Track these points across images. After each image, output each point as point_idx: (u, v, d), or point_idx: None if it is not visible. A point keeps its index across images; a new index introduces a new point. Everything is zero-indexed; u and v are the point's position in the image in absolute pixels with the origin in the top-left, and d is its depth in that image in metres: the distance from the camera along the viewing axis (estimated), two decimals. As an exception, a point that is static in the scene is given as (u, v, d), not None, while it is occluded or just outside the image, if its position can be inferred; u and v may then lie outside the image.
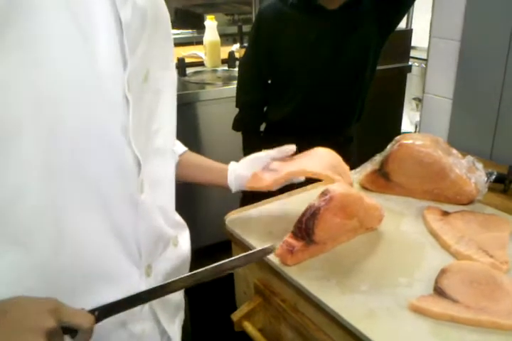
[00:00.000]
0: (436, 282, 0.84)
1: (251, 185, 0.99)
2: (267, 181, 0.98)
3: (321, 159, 1.02)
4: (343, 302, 0.82)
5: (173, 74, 0.83)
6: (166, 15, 0.78)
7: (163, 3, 0.78)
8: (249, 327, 0.99)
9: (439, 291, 0.83)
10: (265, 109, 1.83)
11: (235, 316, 0.99)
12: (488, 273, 0.85)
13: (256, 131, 1.86)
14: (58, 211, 0.63)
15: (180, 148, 1.01)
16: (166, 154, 0.83)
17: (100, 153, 0.65)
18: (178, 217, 0.90)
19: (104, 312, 0.63)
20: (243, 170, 1.01)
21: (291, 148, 1.03)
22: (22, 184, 0.60)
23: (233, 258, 0.76)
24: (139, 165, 0.70)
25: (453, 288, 0.83)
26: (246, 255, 0.78)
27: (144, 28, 0.68)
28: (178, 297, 0.89)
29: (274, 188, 1.00)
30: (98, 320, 0.62)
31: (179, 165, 0.97)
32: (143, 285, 0.75)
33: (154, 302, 0.78)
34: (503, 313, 0.78)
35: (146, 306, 0.77)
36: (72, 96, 0.61)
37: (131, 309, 0.68)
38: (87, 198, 0.66)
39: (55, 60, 0.59)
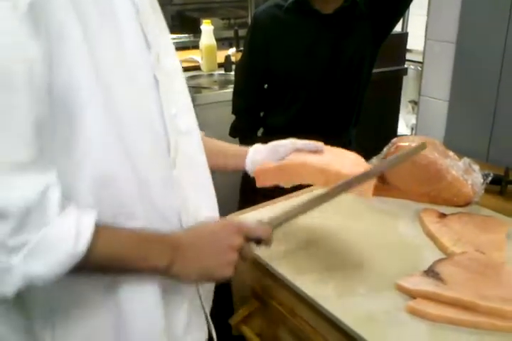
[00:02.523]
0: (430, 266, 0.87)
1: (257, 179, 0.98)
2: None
3: (344, 160, 0.97)
4: (341, 306, 0.82)
5: (177, 61, 0.85)
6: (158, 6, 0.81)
7: None
8: (247, 331, 0.98)
9: (429, 273, 0.85)
10: (262, 114, 1.82)
11: (233, 320, 0.99)
12: (483, 262, 0.88)
13: (253, 136, 1.86)
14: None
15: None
16: (191, 135, 0.84)
17: (142, 130, 0.69)
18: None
19: (277, 222, 0.77)
20: (261, 156, 0.99)
21: (319, 145, 1.00)
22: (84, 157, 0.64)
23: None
24: (168, 143, 0.73)
25: (445, 270, 0.85)
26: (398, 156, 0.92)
27: (149, 12, 0.72)
28: (208, 291, 0.88)
29: (285, 185, 0.98)
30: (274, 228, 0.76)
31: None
32: None
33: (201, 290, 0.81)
34: (492, 299, 0.79)
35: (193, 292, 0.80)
36: (118, 78, 0.66)
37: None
38: (131, 173, 0.68)
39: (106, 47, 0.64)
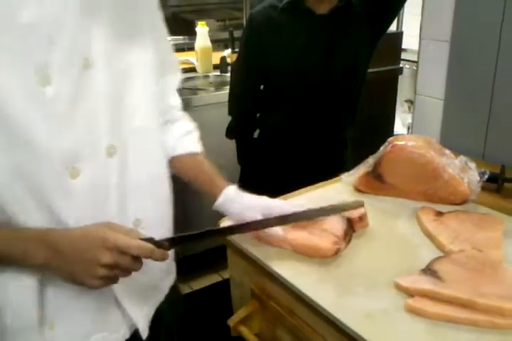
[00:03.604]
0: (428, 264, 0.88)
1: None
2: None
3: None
4: (339, 305, 0.82)
5: (147, 53, 0.83)
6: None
7: None
8: (245, 332, 0.98)
9: (427, 271, 0.86)
10: (258, 115, 1.83)
11: (232, 321, 0.99)
12: (481, 259, 0.88)
13: (249, 137, 1.86)
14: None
15: (190, 147, 1.01)
16: (148, 133, 0.85)
17: (24, 148, 0.69)
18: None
19: (172, 241, 0.76)
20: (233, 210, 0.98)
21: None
22: None
23: (318, 208, 0.92)
24: (63, 155, 0.72)
25: (443, 268, 0.86)
26: (333, 207, 0.94)
27: (61, 21, 0.69)
28: (145, 279, 0.87)
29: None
30: (172, 246, 0.75)
31: (182, 164, 0.98)
32: None
33: (116, 285, 0.79)
34: (489, 296, 0.79)
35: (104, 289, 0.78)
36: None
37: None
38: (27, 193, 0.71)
39: None
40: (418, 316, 0.79)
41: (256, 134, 1.86)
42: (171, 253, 0.96)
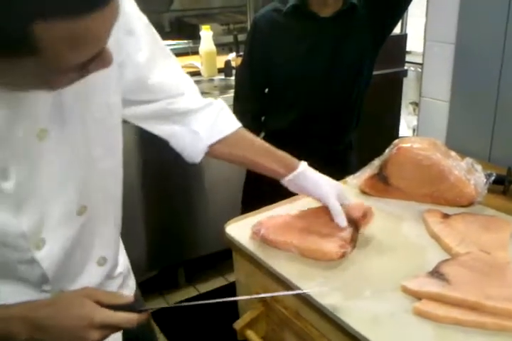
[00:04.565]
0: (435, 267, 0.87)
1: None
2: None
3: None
4: (346, 308, 0.82)
5: (100, 109, 0.78)
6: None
7: None
8: (252, 336, 0.98)
9: (434, 274, 0.85)
10: (263, 118, 1.83)
11: (238, 325, 0.99)
12: (488, 262, 0.88)
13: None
14: None
15: (228, 127, 0.99)
16: (112, 171, 0.85)
17: None
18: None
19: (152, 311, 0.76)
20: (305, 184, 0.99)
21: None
22: None
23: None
24: (26, 234, 0.72)
25: (450, 271, 0.85)
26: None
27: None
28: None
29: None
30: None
31: (229, 146, 0.98)
32: None
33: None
34: (496, 298, 0.79)
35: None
36: None
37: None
38: None
39: None
40: (426, 319, 0.78)
41: (260, 138, 1.86)
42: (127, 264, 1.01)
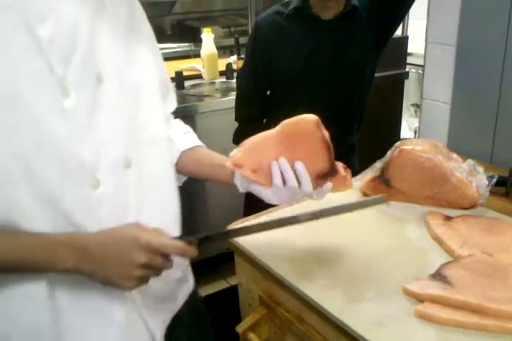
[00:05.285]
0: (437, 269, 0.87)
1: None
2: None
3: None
4: (349, 311, 0.81)
5: (150, 69, 0.86)
6: (124, 11, 0.82)
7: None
8: (254, 339, 0.98)
9: (436, 276, 0.85)
10: (265, 121, 1.83)
11: (240, 328, 0.99)
12: (490, 264, 0.88)
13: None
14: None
15: (190, 142, 1.01)
16: (159, 143, 0.88)
17: (48, 157, 0.69)
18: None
19: (200, 239, 0.77)
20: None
21: None
22: None
23: (346, 203, 0.88)
24: (85, 164, 0.73)
25: (452, 273, 0.85)
26: (359, 202, 0.92)
27: (76, 37, 0.71)
28: (162, 289, 0.89)
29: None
30: (199, 244, 0.76)
31: (184, 160, 0.98)
32: None
33: (136, 295, 0.81)
34: (499, 301, 0.79)
35: (125, 293, 0.79)
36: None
37: (111, 295, 0.77)
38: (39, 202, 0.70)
39: None
40: (428, 322, 0.78)
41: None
42: (187, 262, 0.98)
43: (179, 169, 0.98)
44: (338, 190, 0.91)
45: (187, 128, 1.06)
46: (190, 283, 1.01)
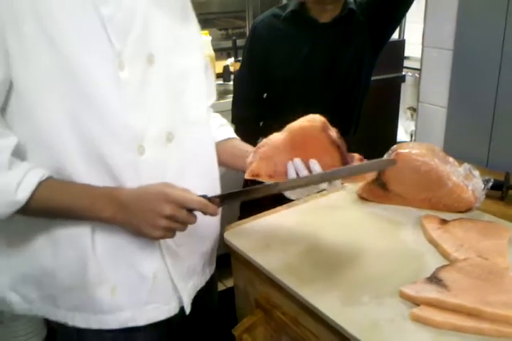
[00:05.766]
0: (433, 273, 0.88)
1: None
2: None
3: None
4: (345, 314, 0.81)
5: (198, 58, 0.95)
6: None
7: None
8: (250, 342, 0.98)
9: (432, 280, 0.85)
10: (261, 123, 1.83)
11: (236, 331, 0.99)
12: (486, 267, 0.88)
13: (253, 146, 1.86)
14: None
15: (225, 134, 1.08)
16: (200, 125, 0.95)
17: (99, 120, 0.79)
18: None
19: (222, 198, 0.84)
20: None
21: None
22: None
23: (358, 164, 0.91)
24: (133, 131, 0.81)
25: (448, 276, 0.85)
26: (370, 163, 0.92)
27: (133, 19, 0.80)
28: (191, 261, 0.96)
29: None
30: (221, 203, 0.84)
31: (218, 151, 1.03)
32: None
33: (165, 254, 0.89)
34: (494, 305, 0.79)
35: (156, 252, 0.88)
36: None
37: (143, 252, 0.87)
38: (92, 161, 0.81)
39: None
40: (424, 325, 0.78)
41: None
42: (215, 236, 1.04)
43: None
44: (353, 182, 0.97)
45: (224, 121, 1.13)
46: (213, 266, 1.08)
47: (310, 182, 0.88)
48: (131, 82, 0.80)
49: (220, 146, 1.05)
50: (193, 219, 0.82)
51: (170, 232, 0.82)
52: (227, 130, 1.10)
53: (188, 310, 0.95)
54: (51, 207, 0.80)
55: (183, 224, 0.82)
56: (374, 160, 0.93)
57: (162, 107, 0.86)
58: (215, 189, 1.00)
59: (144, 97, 0.82)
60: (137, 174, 0.83)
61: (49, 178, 0.79)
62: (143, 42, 0.82)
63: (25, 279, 0.88)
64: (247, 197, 0.87)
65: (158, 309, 0.91)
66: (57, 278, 0.86)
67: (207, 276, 1.04)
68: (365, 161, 0.93)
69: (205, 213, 0.82)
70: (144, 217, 0.79)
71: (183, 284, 0.94)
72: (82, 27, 0.76)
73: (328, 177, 0.88)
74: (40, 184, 0.78)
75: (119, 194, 0.81)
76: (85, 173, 0.81)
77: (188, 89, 0.92)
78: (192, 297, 0.97)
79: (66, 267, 0.85)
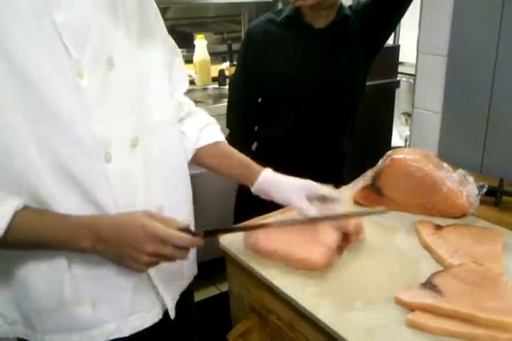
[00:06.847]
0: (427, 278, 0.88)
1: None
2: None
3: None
4: (340, 320, 0.81)
5: (160, 53, 0.93)
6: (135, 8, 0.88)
7: None
8: (245, 347, 0.98)
9: (427, 285, 0.86)
10: (256, 128, 1.83)
11: (231, 336, 0.98)
12: (481, 273, 0.88)
13: (247, 150, 1.86)
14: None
15: (214, 137, 1.06)
16: (165, 126, 0.93)
17: (62, 131, 0.76)
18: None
19: (206, 234, 0.82)
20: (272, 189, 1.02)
21: (336, 196, 1.00)
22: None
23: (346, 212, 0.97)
24: (98, 139, 0.79)
25: (443, 282, 0.86)
26: (358, 212, 0.99)
27: (89, 24, 0.78)
28: (175, 266, 0.92)
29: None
30: (204, 237, 0.81)
31: (207, 152, 1.04)
32: None
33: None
34: (491, 310, 0.79)
35: None
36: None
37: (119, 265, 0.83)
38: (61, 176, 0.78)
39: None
40: (419, 331, 0.78)
41: (254, 147, 1.86)
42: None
43: (197, 161, 1.04)
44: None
45: (209, 119, 1.09)
46: (195, 265, 1.07)
47: (298, 224, 0.97)
48: (92, 90, 0.78)
49: (207, 151, 1.04)
50: (183, 254, 0.80)
51: (155, 265, 0.81)
52: (212, 131, 1.07)
53: (172, 314, 0.94)
54: (30, 239, 0.78)
55: (170, 259, 0.80)
56: (365, 210, 1.04)
57: (125, 112, 0.84)
58: (186, 191, 1.00)
59: (106, 103, 0.80)
60: (108, 184, 0.81)
61: (25, 208, 0.77)
62: (101, 47, 0.80)
63: (6, 301, 0.86)
64: (231, 232, 0.91)
65: (142, 318, 0.90)
66: (33, 300, 0.84)
67: (189, 279, 1.04)
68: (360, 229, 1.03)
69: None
70: (126, 252, 0.77)
71: (167, 290, 0.93)
72: (38, 37, 0.73)
73: (316, 221, 0.96)
74: (16, 214, 0.75)
75: (97, 223, 0.78)
76: (60, 195, 0.78)
77: (151, 90, 0.90)
78: (175, 301, 0.96)
79: (41, 288, 0.83)
